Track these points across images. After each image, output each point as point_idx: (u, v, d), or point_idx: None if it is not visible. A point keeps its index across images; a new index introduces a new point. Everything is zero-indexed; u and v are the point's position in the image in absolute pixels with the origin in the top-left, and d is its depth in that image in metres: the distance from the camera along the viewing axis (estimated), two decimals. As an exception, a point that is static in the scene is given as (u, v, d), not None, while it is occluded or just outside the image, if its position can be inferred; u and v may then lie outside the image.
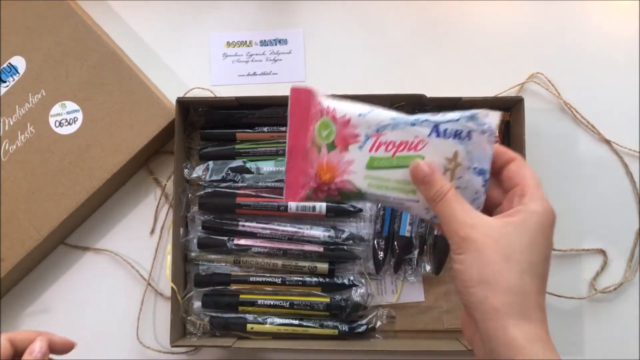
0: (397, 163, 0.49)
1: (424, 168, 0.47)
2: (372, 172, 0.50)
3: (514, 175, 0.48)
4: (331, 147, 0.50)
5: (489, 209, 0.49)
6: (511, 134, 0.73)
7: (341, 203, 0.73)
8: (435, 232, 0.71)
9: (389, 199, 0.50)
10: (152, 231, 0.77)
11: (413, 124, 0.48)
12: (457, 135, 0.48)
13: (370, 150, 0.50)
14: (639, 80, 0.76)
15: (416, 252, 0.71)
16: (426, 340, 0.72)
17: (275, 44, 0.79)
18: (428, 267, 0.72)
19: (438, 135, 0.48)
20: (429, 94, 0.70)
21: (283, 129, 0.74)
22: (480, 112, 0.48)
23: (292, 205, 0.72)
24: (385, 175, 0.49)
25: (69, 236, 0.77)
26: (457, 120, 0.48)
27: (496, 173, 0.49)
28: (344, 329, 0.71)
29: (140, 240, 0.76)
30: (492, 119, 0.48)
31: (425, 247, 0.72)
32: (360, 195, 0.51)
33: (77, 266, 0.77)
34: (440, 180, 0.47)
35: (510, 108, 0.73)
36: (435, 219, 0.50)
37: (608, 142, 0.75)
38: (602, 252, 0.74)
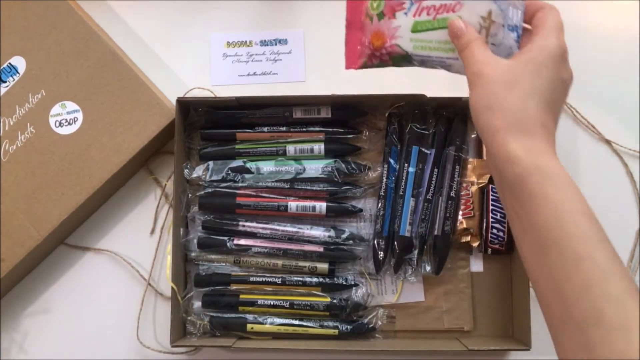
0: (438, 25, 0.56)
1: (458, 24, 0.53)
2: (416, 35, 0.57)
3: (539, 22, 0.51)
4: (381, 16, 0.58)
5: None
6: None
7: (342, 203, 0.73)
8: (435, 232, 0.71)
9: (432, 58, 0.57)
10: (152, 231, 0.77)
11: None
12: None
13: (415, 15, 0.56)
14: (639, 80, 0.76)
15: (416, 252, 0.71)
16: (426, 340, 0.72)
17: (275, 44, 0.79)
18: (428, 267, 0.72)
19: None
20: (429, 94, 0.70)
21: (283, 129, 0.74)
22: None
23: (292, 205, 0.72)
24: (428, 37, 0.56)
25: (69, 236, 0.77)
26: None
27: (528, 24, 0.53)
28: (344, 329, 0.71)
29: (140, 240, 0.76)
30: None
31: (425, 247, 0.72)
32: (407, 57, 0.58)
33: (77, 266, 0.77)
34: (471, 33, 0.52)
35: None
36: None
37: (608, 142, 0.75)
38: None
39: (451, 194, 0.71)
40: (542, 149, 0.46)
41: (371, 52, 0.60)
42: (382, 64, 0.60)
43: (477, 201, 0.72)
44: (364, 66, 0.61)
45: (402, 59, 0.59)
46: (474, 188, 0.72)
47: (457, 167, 0.71)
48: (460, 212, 0.72)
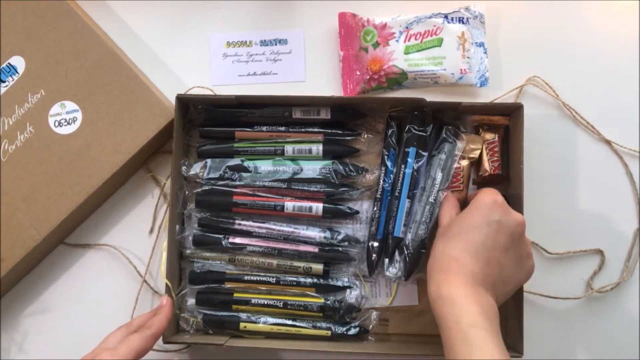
0: (425, 46, 0.75)
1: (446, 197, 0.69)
2: (408, 56, 0.75)
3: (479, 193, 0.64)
4: (376, 45, 0.76)
5: None
6: (510, 139, 0.73)
7: (338, 204, 0.73)
8: (410, 237, 0.70)
9: (425, 72, 0.74)
10: (151, 230, 0.77)
11: (430, 17, 0.75)
12: (460, 20, 0.75)
13: (405, 41, 0.75)
14: (639, 80, 0.75)
15: (406, 252, 0.70)
16: (418, 344, 0.71)
17: (275, 44, 0.79)
18: (393, 270, 0.70)
19: (449, 22, 0.75)
20: (429, 98, 0.70)
21: (282, 128, 0.74)
22: (471, 4, 0.75)
23: (289, 205, 0.72)
24: (419, 56, 0.75)
25: (69, 236, 0.77)
26: (459, 11, 0.75)
27: None
28: (337, 330, 0.71)
29: (139, 239, 0.77)
30: (479, 7, 0.75)
31: (399, 250, 0.71)
32: (404, 75, 0.75)
33: (77, 266, 0.77)
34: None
35: (510, 114, 0.73)
36: (460, 81, 0.74)
37: (608, 142, 0.75)
38: (600, 252, 0.74)
39: (430, 199, 0.70)
40: (449, 283, 0.57)
41: (369, 76, 0.75)
42: (379, 86, 0.76)
43: (466, 175, 0.72)
44: (362, 91, 0.76)
45: (396, 81, 0.76)
46: (464, 162, 0.72)
47: (440, 174, 0.71)
48: (450, 186, 0.71)
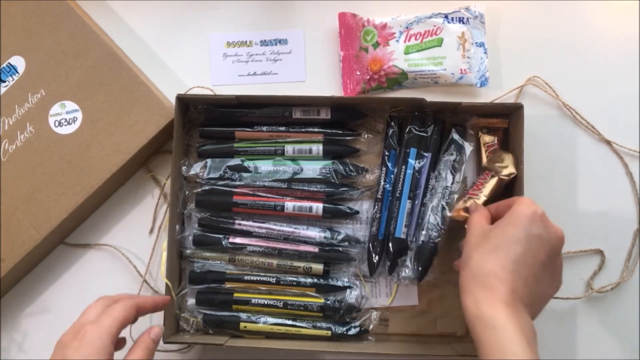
0: (425, 46, 0.74)
1: (473, 203, 0.66)
2: (409, 56, 0.74)
3: (514, 203, 0.59)
4: (376, 45, 0.75)
5: None
6: (510, 140, 0.73)
7: (338, 204, 0.73)
8: (422, 239, 0.70)
9: (425, 72, 0.74)
10: (151, 230, 0.77)
11: (430, 17, 0.74)
12: (460, 20, 0.74)
13: (405, 41, 0.75)
14: (639, 80, 0.75)
15: (411, 254, 0.71)
16: (418, 344, 0.71)
17: (275, 44, 0.79)
18: (409, 272, 0.70)
19: (449, 22, 0.74)
20: (429, 98, 0.70)
21: (282, 128, 0.74)
22: (471, 5, 0.75)
23: (289, 205, 0.72)
24: (419, 56, 0.74)
25: (69, 236, 0.77)
26: (459, 11, 0.74)
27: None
28: (337, 330, 0.71)
29: (139, 239, 0.77)
30: (479, 7, 0.75)
31: (409, 252, 0.71)
32: (404, 75, 0.75)
33: (77, 266, 0.77)
34: (478, 209, 0.64)
35: (510, 114, 0.73)
36: (460, 81, 0.74)
37: (608, 142, 0.75)
38: (600, 252, 0.74)
39: (442, 203, 0.70)
40: (489, 300, 0.53)
41: (370, 76, 0.75)
42: (379, 86, 0.75)
43: (489, 189, 0.68)
44: (362, 91, 0.76)
45: (396, 81, 0.75)
46: (494, 179, 0.69)
47: (450, 176, 0.71)
48: (468, 192, 0.69)
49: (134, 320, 0.60)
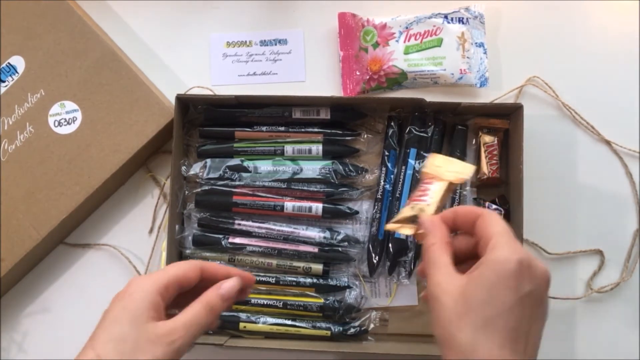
0: (425, 46, 0.75)
1: (425, 220, 0.51)
2: (408, 56, 0.74)
3: (482, 231, 0.48)
4: (376, 45, 0.75)
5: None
6: (510, 140, 0.73)
7: (338, 204, 0.73)
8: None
9: (424, 72, 0.74)
10: (151, 230, 0.77)
11: (430, 17, 0.74)
12: (460, 20, 0.75)
13: (405, 41, 0.75)
14: (639, 80, 0.75)
15: (411, 254, 0.71)
16: (418, 344, 0.71)
17: (275, 44, 0.79)
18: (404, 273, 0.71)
19: (449, 22, 0.74)
20: (428, 98, 0.70)
21: (282, 128, 0.74)
22: (471, 5, 0.75)
23: (289, 205, 0.72)
24: (419, 56, 0.74)
25: (69, 236, 0.77)
26: (459, 11, 0.75)
27: (471, 231, 0.49)
28: (337, 330, 0.71)
29: (139, 239, 0.77)
30: (479, 7, 0.75)
31: (411, 253, 0.71)
32: (404, 75, 0.75)
33: (77, 266, 0.77)
34: (435, 235, 0.49)
35: (510, 115, 0.73)
36: (459, 81, 0.74)
37: (608, 143, 0.75)
38: (600, 252, 0.74)
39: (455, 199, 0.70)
40: None
41: (369, 76, 0.75)
42: (379, 86, 0.75)
43: (439, 195, 0.54)
44: (362, 91, 0.76)
45: (396, 81, 0.75)
46: (441, 183, 0.56)
47: None
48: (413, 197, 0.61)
49: (201, 284, 0.51)
